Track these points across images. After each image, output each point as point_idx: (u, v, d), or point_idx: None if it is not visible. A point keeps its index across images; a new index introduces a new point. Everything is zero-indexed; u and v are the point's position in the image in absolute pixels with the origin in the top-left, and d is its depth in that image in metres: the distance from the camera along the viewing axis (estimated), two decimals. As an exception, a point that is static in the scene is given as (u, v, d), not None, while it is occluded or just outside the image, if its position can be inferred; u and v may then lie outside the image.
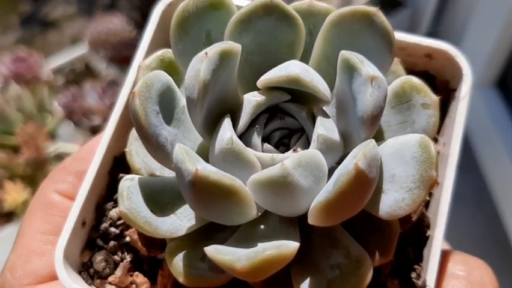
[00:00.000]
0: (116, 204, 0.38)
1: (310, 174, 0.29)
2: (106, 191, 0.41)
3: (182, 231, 0.31)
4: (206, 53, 0.30)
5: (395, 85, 0.35)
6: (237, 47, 0.31)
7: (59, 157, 1.52)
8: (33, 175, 1.39)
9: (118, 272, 0.37)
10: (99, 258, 0.37)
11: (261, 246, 0.27)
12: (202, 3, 0.34)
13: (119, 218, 0.38)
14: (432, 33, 1.83)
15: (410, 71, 0.40)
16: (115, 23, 1.97)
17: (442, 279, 0.35)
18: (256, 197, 0.30)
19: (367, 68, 0.29)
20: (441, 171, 0.36)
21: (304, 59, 0.35)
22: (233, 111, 0.33)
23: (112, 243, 0.38)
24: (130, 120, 0.32)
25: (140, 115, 0.30)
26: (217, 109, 0.33)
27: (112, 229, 0.39)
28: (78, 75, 1.89)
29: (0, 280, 0.34)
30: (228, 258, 0.27)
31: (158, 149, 0.31)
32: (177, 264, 0.31)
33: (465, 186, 1.58)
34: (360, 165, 0.26)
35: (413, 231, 0.37)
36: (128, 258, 0.37)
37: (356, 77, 0.30)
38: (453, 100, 0.40)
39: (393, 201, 0.29)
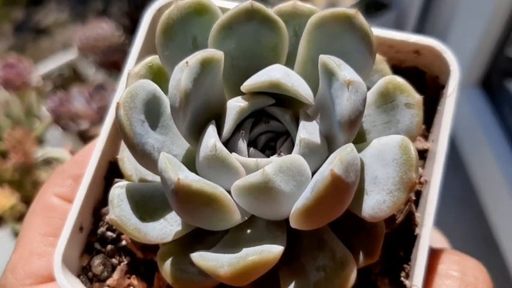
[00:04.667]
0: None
1: (292, 179, 0.29)
2: (103, 196, 0.41)
3: (171, 237, 0.32)
4: (187, 62, 0.30)
5: (380, 85, 0.35)
6: (218, 54, 0.32)
7: (47, 162, 1.52)
8: (22, 180, 1.39)
9: (116, 275, 0.37)
10: (97, 261, 0.38)
11: (244, 251, 0.28)
12: (186, 10, 0.34)
13: None
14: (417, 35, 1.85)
15: (399, 67, 0.41)
16: (103, 28, 1.97)
17: (433, 279, 0.35)
18: (240, 202, 0.30)
19: (344, 72, 0.29)
20: (430, 168, 0.36)
21: (290, 61, 0.35)
22: (219, 116, 0.34)
23: (109, 247, 0.39)
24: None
25: (125, 125, 0.31)
26: (202, 115, 0.33)
27: (109, 233, 0.40)
28: (66, 80, 1.89)
29: (2, 280, 0.35)
30: (212, 265, 0.27)
31: (144, 157, 0.32)
32: (168, 268, 0.32)
33: (451, 185, 1.59)
34: (336, 171, 0.26)
35: (403, 230, 0.37)
36: (125, 261, 0.38)
37: (333, 81, 0.30)
38: (442, 97, 0.41)
39: (375, 203, 0.30)
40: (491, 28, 1.48)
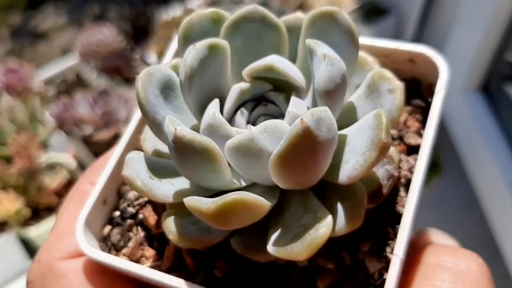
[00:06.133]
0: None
1: (275, 139, 0.32)
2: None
3: (174, 198, 0.35)
4: (195, 45, 0.35)
5: (368, 77, 0.38)
6: (223, 42, 0.36)
7: (51, 167, 1.53)
8: (26, 185, 1.40)
9: (131, 244, 0.40)
10: (115, 232, 0.41)
11: (229, 195, 0.30)
12: (205, 17, 0.39)
13: (136, 199, 0.43)
14: (416, 40, 1.87)
15: (398, 77, 0.42)
16: (105, 34, 1.98)
17: (426, 270, 0.36)
18: (232, 163, 0.34)
19: (321, 48, 0.33)
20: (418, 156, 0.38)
21: (293, 61, 0.39)
22: (224, 98, 0.38)
23: (128, 221, 0.42)
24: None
25: (141, 94, 0.35)
26: (209, 95, 0.37)
27: (130, 209, 0.43)
28: (69, 85, 1.90)
29: (38, 256, 0.39)
30: (197, 203, 0.30)
31: (155, 125, 0.36)
32: (170, 225, 0.35)
33: (452, 188, 1.61)
34: (306, 120, 0.29)
35: (391, 211, 0.38)
36: (141, 234, 0.41)
37: (314, 58, 0.34)
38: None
39: (351, 166, 0.32)
40: (490, 33, 1.49)
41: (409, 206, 0.35)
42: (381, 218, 0.38)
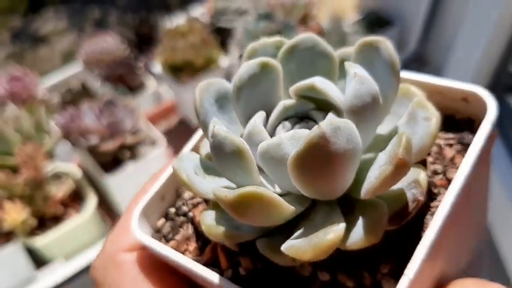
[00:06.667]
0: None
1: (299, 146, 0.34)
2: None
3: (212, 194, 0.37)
4: (247, 62, 0.39)
5: (409, 106, 0.39)
6: (274, 62, 0.39)
7: (57, 176, 1.54)
8: (32, 195, 1.40)
9: (178, 238, 0.43)
10: (168, 225, 0.44)
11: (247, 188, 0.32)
12: (270, 44, 0.42)
13: (191, 199, 0.46)
14: (420, 51, 1.88)
15: (454, 118, 0.43)
16: (109, 42, 1.99)
17: None
18: (264, 168, 0.36)
19: (353, 69, 0.35)
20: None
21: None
22: (271, 113, 0.40)
23: (181, 218, 0.44)
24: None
25: (197, 99, 0.38)
26: (258, 108, 0.40)
27: (184, 207, 0.45)
28: (75, 95, 1.91)
29: (103, 247, 0.43)
30: (221, 193, 0.32)
31: (205, 128, 0.38)
32: (206, 218, 0.37)
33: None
34: (323, 127, 0.30)
35: (417, 237, 0.39)
36: (190, 231, 0.43)
37: (347, 77, 0.36)
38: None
39: (369, 180, 0.33)
40: (493, 44, 1.51)
41: (431, 229, 0.35)
42: (406, 242, 0.38)
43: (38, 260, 1.49)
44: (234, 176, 0.36)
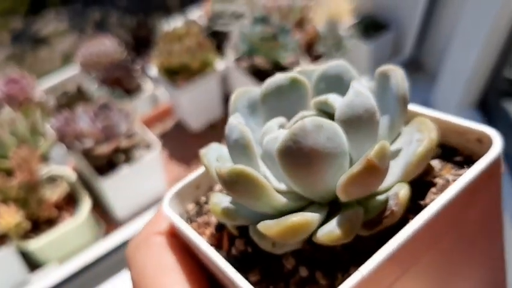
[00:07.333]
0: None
1: None
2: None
3: None
4: (277, 75, 0.43)
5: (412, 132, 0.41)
6: (302, 78, 0.42)
7: (52, 179, 1.54)
8: (27, 198, 1.41)
9: (199, 220, 0.46)
10: (195, 210, 0.48)
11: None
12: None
13: (220, 191, 0.48)
14: (415, 54, 1.88)
15: (470, 157, 0.42)
16: (106, 45, 2.00)
17: None
18: (266, 162, 0.39)
19: (355, 84, 0.37)
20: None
21: None
22: None
23: (207, 206, 0.48)
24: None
25: (232, 101, 0.43)
26: (282, 116, 0.43)
27: None
28: (70, 98, 1.91)
29: (138, 232, 0.46)
30: (219, 167, 0.35)
31: None
32: (214, 197, 0.41)
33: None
34: (306, 121, 0.33)
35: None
36: (211, 219, 0.46)
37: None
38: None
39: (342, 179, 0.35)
40: (488, 49, 1.51)
41: (396, 237, 0.35)
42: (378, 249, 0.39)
43: (32, 263, 1.50)
44: (239, 162, 0.39)
